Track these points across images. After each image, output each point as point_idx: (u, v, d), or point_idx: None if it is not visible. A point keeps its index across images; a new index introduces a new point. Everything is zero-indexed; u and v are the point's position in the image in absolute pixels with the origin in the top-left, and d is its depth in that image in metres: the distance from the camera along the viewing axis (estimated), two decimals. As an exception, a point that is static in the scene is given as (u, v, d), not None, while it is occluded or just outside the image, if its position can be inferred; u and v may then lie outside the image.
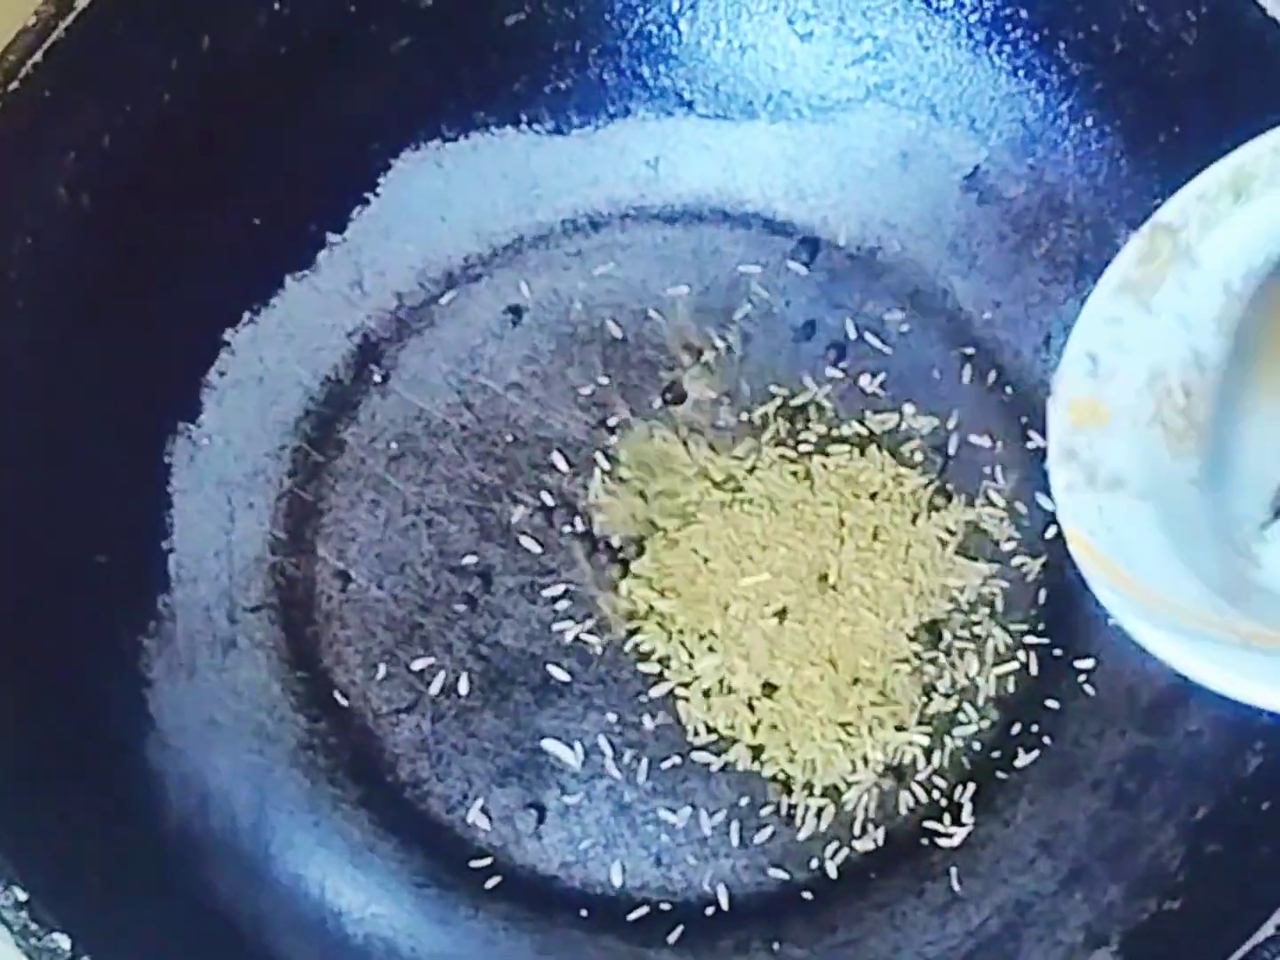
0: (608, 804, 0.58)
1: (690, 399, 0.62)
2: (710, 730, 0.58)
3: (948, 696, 0.58)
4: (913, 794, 0.58)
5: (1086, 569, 0.46)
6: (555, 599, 0.60)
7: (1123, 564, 0.45)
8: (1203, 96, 0.56)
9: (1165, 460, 0.47)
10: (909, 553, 0.59)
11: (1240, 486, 0.47)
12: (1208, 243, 0.47)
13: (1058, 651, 0.59)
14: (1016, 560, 0.60)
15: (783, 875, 0.57)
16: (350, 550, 0.61)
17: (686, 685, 0.58)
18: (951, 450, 0.61)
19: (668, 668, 0.59)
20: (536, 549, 0.60)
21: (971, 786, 0.58)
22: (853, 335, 0.63)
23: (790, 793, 0.57)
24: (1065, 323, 0.61)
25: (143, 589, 0.58)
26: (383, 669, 0.59)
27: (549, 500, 0.61)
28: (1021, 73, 0.61)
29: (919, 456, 0.61)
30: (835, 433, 0.61)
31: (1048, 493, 0.59)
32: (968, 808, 0.57)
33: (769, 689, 0.58)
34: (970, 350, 0.63)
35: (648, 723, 0.58)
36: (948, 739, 0.58)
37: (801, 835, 0.57)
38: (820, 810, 0.57)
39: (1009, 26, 0.60)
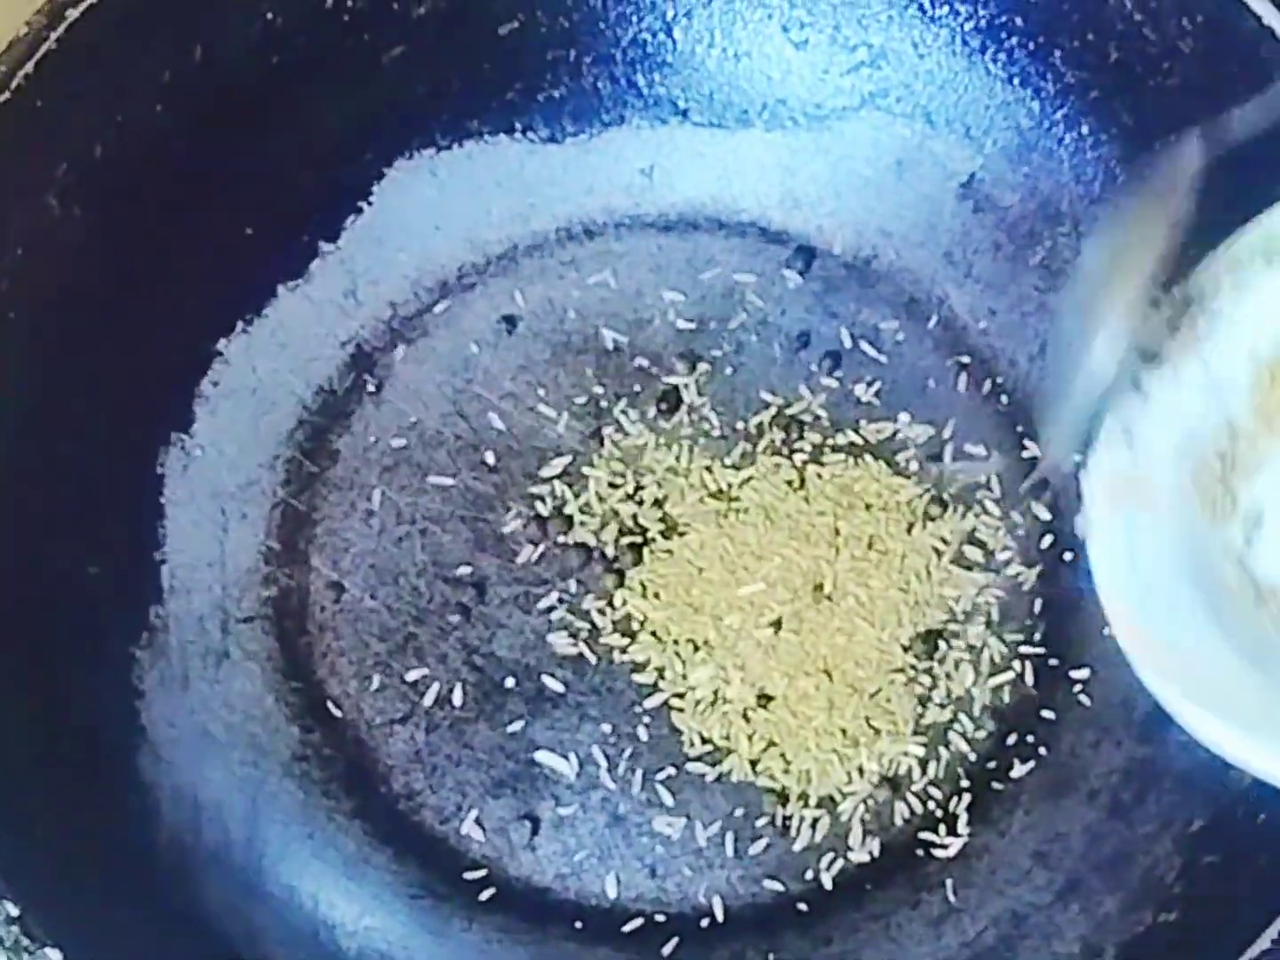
0: (602, 815, 0.58)
1: (685, 408, 0.62)
2: (705, 741, 0.58)
3: (943, 707, 0.58)
4: (908, 805, 0.57)
5: (1132, 653, 0.45)
6: (549, 609, 0.59)
7: (1166, 646, 0.44)
8: (1198, 105, 0.56)
9: (1204, 531, 0.46)
10: (904, 562, 0.59)
11: (1278, 555, 0.46)
12: (1238, 310, 0.47)
13: (1053, 662, 0.59)
14: (1012, 570, 0.60)
15: (778, 886, 0.57)
16: (344, 561, 0.60)
17: (681, 696, 0.58)
18: (947, 459, 0.61)
19: (662, 678, 0.58)
20: (531, 559, 0.60)
21: (967, 797, 0.57)
22: (848, 344, 0.63)
23: (785, 803, 0.57)
24: (1062, 331, 0.61)
25: (135, 600, 0.58)
26: (376, 680, 0.59)
27: (543, 510, 0.61)
28: (1017, 81, 0.61)
29: (914, 466, 0.61)
30: (830, 442, 0.61)
31: (1043, 502, 0.60)
32: (963, 818, 0.57)
33: (764, 699, 0.58)
34: (966, 359, 0.62)
35: (642, 733, 0.58)
36: (943, 750, 0.58)
37: (797, 846, 0.57)
38: (815, 821, 0.57)
39: (1004, 34, 0.60)
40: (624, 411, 0.62)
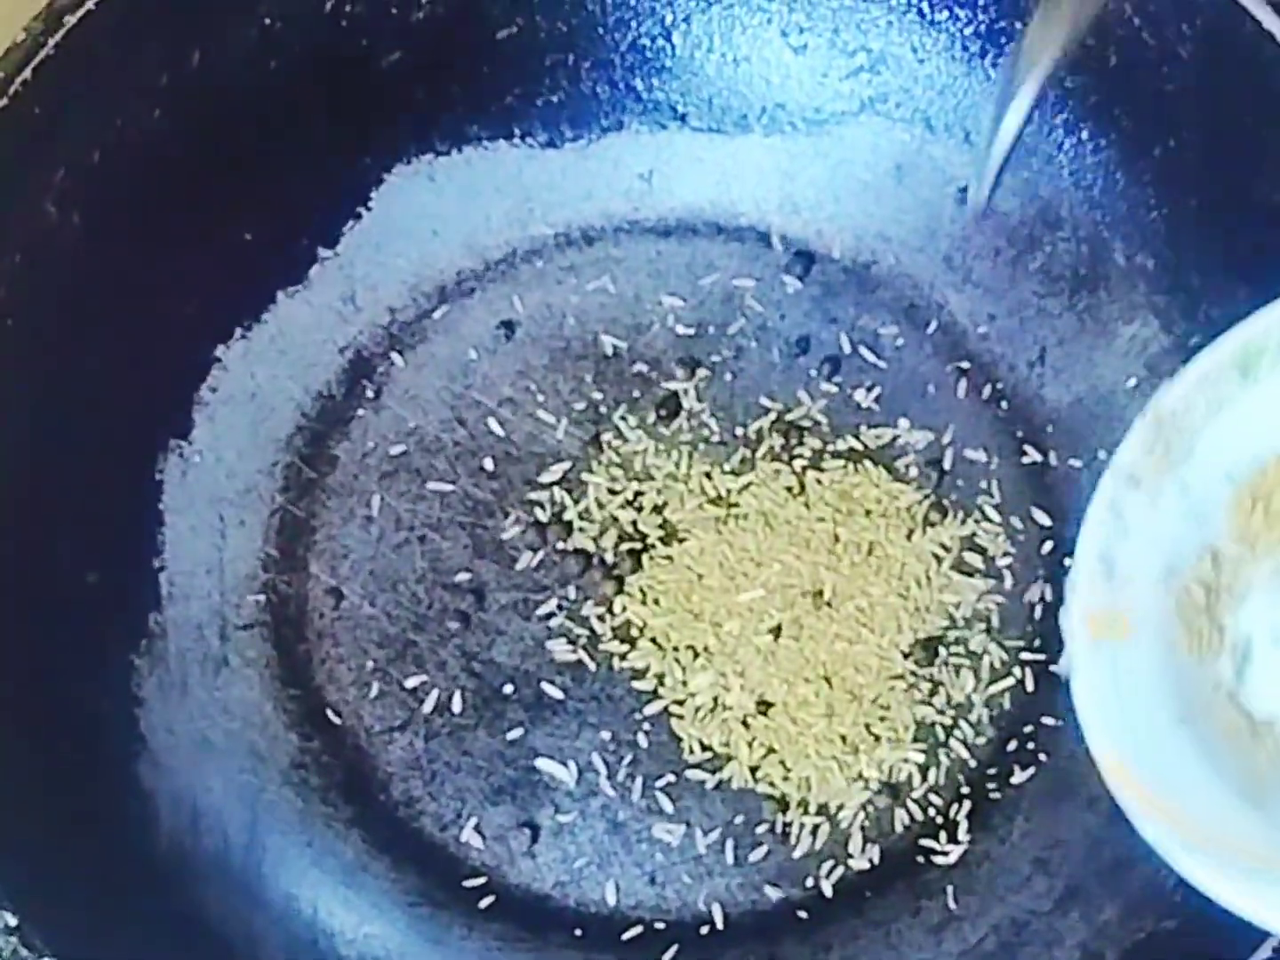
0: (602, 822, 0.57)
1: (684, 414, 0.62)
2: (705, 748, 0.58)
3: (943, 713, 0.58)
4: (908, 812, 0.57)
5: (1123, 800, 0.44)
6: (549, 616, 0.59)
7: (1159, 790, 0.43)
8: (1198, 110, 0.56)
9: (1191, 667, 0.45)
10: (904, 569, 0.59)
11: (1271, 687, 0.45)
12: (1214, 429, 0.45)
13: (1054, 667, 0.58)
14: (1012, 576, 0.60)
15: (778, 894, 0.57)
16: (343, 567, 0.60)
17: (681, 703, 0.58)
18: (947, 465, 0.61)
19: (662, 685, 0.58)
20: (530, 566, 0.60)
21: (967, 804, 0.57)
22: (847, 349, 0.63)
23: (785, 810, 0.57)
24: (1060, 337, 0.61)
25: (134, 607, 0.58)
26: (375, 687, 0.59)
27: (542, 516, 0.60)
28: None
29: (914, 471, 0.61)
30: (830, 448, 0.61)
31: (1043, 508, 0.60)
32: (963, 825, 0.57)
33: (764, 706, 0.58)
34: (965, 364, 0.62)
35: (642, 740, 0.58)
36: (943, 756, 0.58)
37: (797, 853, 0.57)
38: (815, 828, 0.57)
39: (1003, 39, 0.60)
40: (623, 417, 0.62)
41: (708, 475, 0.61)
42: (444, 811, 0.58)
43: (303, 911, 0.56)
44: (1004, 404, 0.62)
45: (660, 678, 0.58)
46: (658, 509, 0.60)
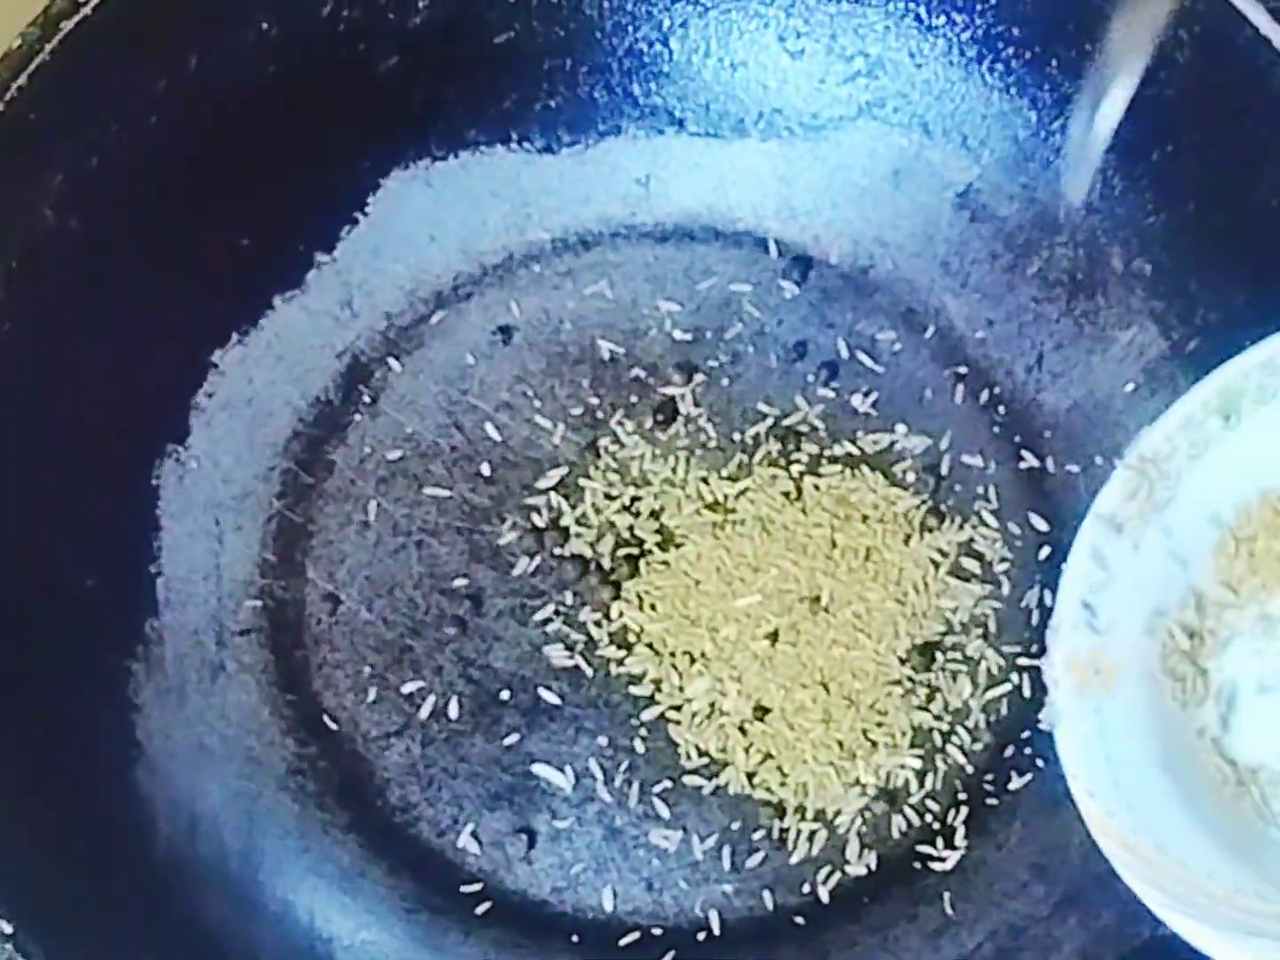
0: (599, 828, 0.57)
1: (681, 419, 0.62)
2: (702, 753, 0.58)
3: (940, 719, 0.58)
4: (905, 817, 0.57)
5: (1110, 854, 0.43)
6: (546, 621, 0.59)
7: (1145, 841, 0.43)
8: (1195, 115, 0.56)
9: (1175, 714, 0.45)
10: (901, 574, 0.59)
11: (1256, 734, 0.45)
12: (1196, 472, 0.45)
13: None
14: (1009, 581, 0.60)
15: (775, 900, 0.57)
16: (340, 573, 0.60)
17: (678, 708, 0.58)
18: (944, 470, 0.61)
19: (659, 690, 0.58)
20: (527, 571, 0.60)
21: (964, 810, 0.57)
22: (845, 355, 0.62)
23: (782, 816, 0.57)
24: (1058, 342, 0.61)
25: (131, 613, 0.58)
26: (372, 692, 0.59)
27: (539, 522, 0.60)
28: (1014, 90, 0.60)
29: (911, 477, 0.61)
30: (827, 453, 0.61)
31: (1041, 513, 0.60)
32: (960, 831, 0.57)
33: (761, 712, 0.58)
34: (963, 370, 0.62)
35: (639, 746, 0.58)
36: (940, 762, 0.58)
37: (794, 859, 0.57)
38: (812, 834, 0.57)
39: (1001, 44, 0.60)
40: (620, 423, 0.62)
41: (705, 480, 0.61)
42: (441, 817, 0.58)
43: (300, 917, 0.56)
44: (1001, 409, 0.62)
45: (657, 683, 0.58)
46: (655, 514, 0.60)
